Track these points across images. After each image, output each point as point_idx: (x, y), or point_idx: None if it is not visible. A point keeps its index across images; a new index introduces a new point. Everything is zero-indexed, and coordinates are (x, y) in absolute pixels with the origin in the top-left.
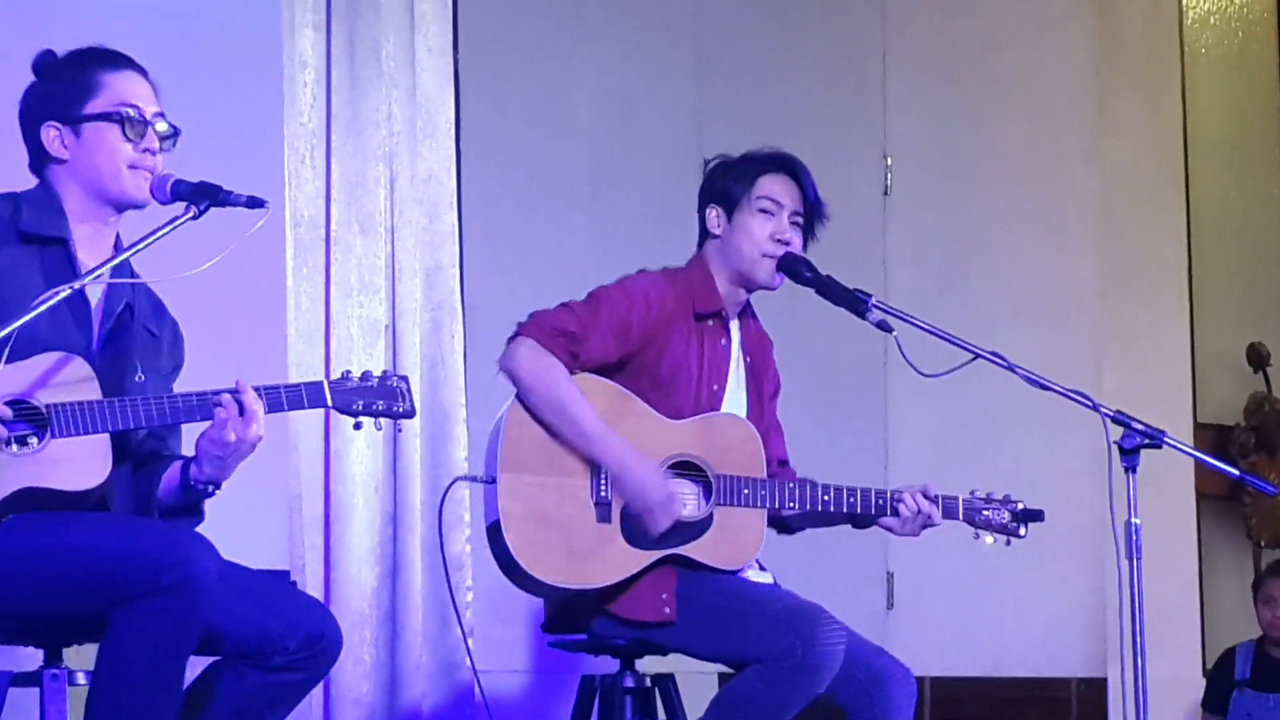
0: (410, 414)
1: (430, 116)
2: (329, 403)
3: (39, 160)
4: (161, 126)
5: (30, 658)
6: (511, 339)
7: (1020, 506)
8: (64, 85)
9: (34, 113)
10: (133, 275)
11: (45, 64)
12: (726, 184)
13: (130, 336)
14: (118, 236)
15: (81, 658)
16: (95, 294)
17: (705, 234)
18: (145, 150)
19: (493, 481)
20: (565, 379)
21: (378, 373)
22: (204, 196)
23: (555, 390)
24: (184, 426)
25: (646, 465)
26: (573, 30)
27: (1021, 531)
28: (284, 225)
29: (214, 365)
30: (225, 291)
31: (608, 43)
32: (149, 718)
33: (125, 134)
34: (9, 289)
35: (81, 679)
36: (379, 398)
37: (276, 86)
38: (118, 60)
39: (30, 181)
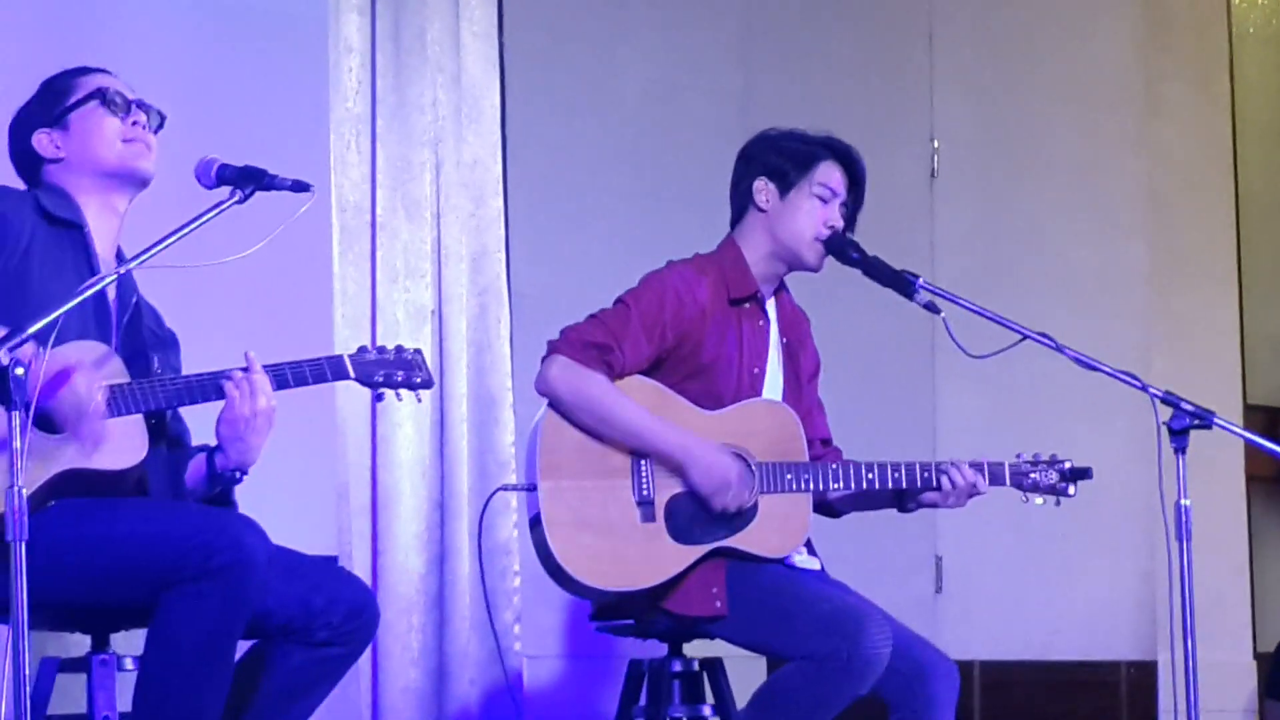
0: (429, 384)
1: (475, 102)
2: (350, 374)
3: (34, 172)
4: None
5: (78, 644)
6: (545, 358)
7: (1068, 465)
8: (39, 101)
9: (23, 130)
10: (135, 287)
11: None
12: (783, 162)
13: (142, 331)
14: (119, 250)
15: (128, 643)
16: (110, 289)
17: (749, 206)
18: (134, 124)
19: (533, 489)
20: (605, 387)
21: (391, 346)
22: (249, 181)
23: (597, 400)
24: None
25: (709, 447)
26: (617, 15)
27: (1070, 490)
28: (330, 210)
29: (260, 350)
30: (271, 276)
31: (653, 27)
32: (200, 700)
33: (109, 110)
34: (45, 267)
35: (129, 664)
36: (398, 369)
37: (322, 72)
38: (85, 69)
39: None
